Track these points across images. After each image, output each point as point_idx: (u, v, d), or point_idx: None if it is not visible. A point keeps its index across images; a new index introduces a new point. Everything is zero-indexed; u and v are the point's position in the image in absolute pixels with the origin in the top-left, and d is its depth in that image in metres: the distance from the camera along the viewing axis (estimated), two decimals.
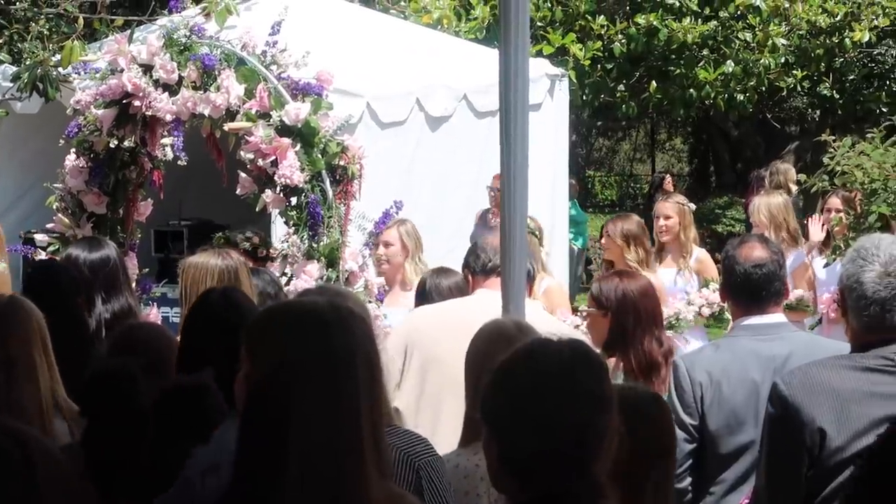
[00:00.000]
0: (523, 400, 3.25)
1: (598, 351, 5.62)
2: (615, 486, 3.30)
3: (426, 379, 6.19)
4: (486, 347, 4.73)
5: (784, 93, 22.85)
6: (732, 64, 19.17)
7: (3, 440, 2.99)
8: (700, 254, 10.40)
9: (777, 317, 5.90)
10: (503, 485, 3.34)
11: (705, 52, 19.38)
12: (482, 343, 4.86)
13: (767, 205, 11.10)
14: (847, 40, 19.58)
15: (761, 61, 19.17)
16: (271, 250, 9.59)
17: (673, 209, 10.40)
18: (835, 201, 10.87)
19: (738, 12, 19.23)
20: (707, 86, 19.24)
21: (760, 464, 4.98)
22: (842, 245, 9.89)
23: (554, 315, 8.88)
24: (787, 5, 19.11)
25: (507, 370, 3.36)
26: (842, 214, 10.65)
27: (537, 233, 9.37)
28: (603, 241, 9.76)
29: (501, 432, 3.28)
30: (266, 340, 3.35)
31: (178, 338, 5.17)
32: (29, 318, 5.32)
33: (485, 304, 5.96)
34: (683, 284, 10.16)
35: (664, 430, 4.13)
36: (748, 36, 19.30)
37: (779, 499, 4.82)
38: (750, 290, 5.84)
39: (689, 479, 5.76)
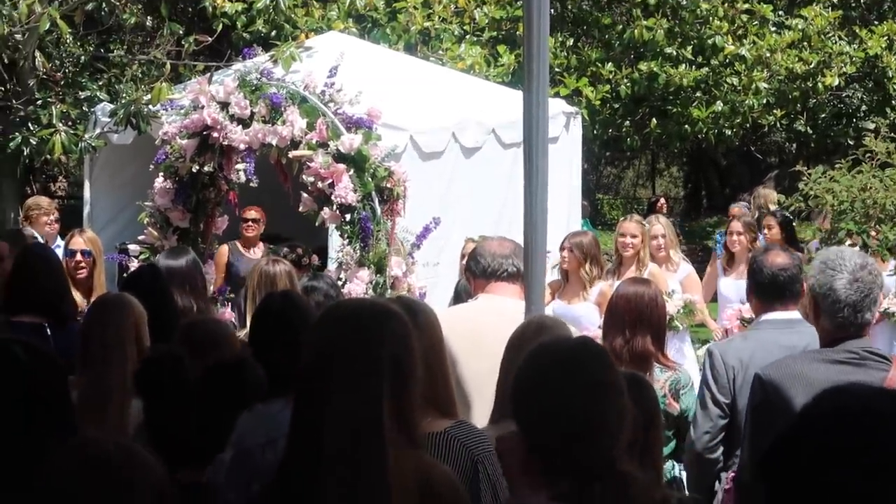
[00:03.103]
0: (533, 392, 3.20)
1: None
2: (632, 460, 3.26)
3: None
4: (520, 335, 4.70)
5: (765, 129, 22.84)
6: (721, 104, 19.17)
7: (109, 450, 2.99)
8: (653, 268, 9.96)
9: (795, 313, 5.88)
10: (532, 469, 3.22)
11: (698, 94, 19.36)
12: (519, 332, 4.79)
13: (667, 224, 10.71)
14: (820, 84, 19.59)
15: (746, 102, 19.13)
16: (313, 258, 9.56)
17: (637, 229, 10.04)
18: (736, 225, 10.89)
19: (727, 60, 19.19)
20: (700, 122, 19.26)
21: (744, 443, 4.94)
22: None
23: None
24: (768, 54, 19.09)
25: (522, 369, 3.30)
26: (743, 236, 10.69)
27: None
28: (564, 254, 9.30)
29: (521, 422, 3.22)
30: (310, 336, 3.37)
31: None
32: (130, 313, 5.35)
33: (487, 308, 5.87)
34: None
35: (645, 407, 4.06)
36: (735, 80, 19.26)
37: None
38: (775, 290, 5.82)
39: (721, 449, 5.74)
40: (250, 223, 10.95)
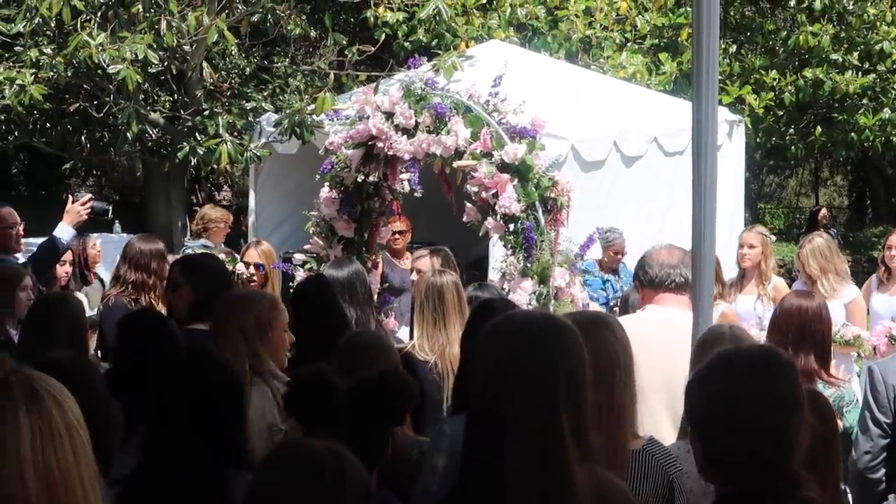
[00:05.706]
0: (720, 404, 3.15)
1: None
2: (813, 478, 3.20)
3: None
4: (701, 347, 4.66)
5: None
6: (889, 111, 18.76)
7: (321, 454, 3.08)
8: (777, 282, 9.70)
9: None
10: (710, 477, 3.26)
11: (865, 101, 19.00)
12: (699, 344, 4.75)
13: (814, 250, 9.51)
14: None
15: None
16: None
17: (757, 239, 9.82)
18: (893, 239, 10.11)
19: (895, 66, 18.82)
20: (866, 130, 18.86)
21: None
22: None
23: None
24: None
25: (705, 376, 3.26)
26: None
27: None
28: None
29: (703, 432, 3.20)
30: (481, 348, 3.31)
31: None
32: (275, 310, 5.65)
33: (654, 320, 5.79)
34: (762, 311, 9.41)
35: (825, 423, 4.01)
36: None
37: None
38: None
39: (883, 470, 5.63)
40: (397, 236, 10.98)
